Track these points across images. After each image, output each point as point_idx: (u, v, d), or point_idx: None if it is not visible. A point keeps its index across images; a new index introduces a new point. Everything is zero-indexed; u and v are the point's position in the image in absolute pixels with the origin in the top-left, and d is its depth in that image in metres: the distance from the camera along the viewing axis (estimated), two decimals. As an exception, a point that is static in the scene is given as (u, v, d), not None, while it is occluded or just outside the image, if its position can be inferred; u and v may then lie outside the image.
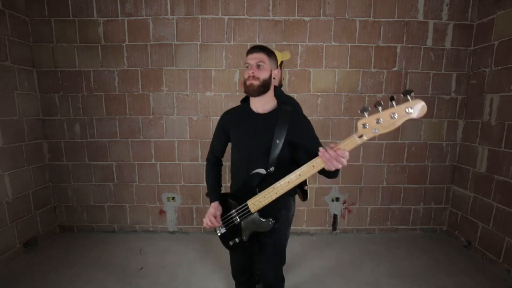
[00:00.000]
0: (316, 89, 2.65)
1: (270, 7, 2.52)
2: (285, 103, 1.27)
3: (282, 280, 1.38)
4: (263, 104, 1.18)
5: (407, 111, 0.79)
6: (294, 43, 2.57)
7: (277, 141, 1.10)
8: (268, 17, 2.53)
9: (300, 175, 1.01)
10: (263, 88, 1.12)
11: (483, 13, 2.46)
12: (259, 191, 1.11)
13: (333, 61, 2.61)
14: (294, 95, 2.63)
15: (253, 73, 1.10)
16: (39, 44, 2.57)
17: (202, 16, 2.53)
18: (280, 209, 1.23)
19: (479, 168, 2.49)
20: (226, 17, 2.53)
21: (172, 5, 2.52)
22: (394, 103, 0.83)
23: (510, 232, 2.17)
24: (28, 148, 2.52)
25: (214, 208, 1.22)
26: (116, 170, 2.78)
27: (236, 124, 1.24)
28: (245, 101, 1.31)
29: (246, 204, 1.14)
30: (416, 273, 2.19)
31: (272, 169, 1.10)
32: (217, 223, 1.19)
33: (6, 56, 2.30)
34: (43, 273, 2.16)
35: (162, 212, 2.85)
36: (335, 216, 2.85)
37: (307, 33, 2.56)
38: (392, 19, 2.55)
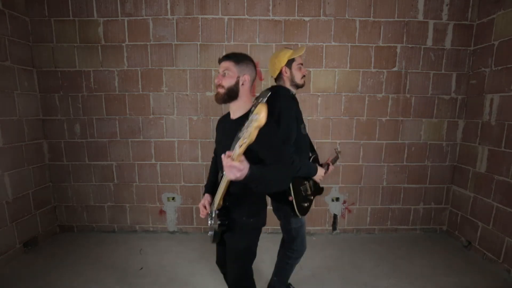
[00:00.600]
0: (316, 89, 2.65)
1: (270, 7, 2.52)
2: (273, 109, 1.30)
3: (242, 285, 1.36)
4: (234, 111, 1.23)
5: (254, 117, 0.79)
6: (294, 43, 2.57)
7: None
8: (268, 17, 2.53)
9: (224, 180, 1.08)
10: (228, 96, 1.16)
11: (483, 13, 2.46)
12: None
13: (333, 61, 2.61)
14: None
15: (218, 82, 1.16)
16: (39, 44, 2.57)
17: (202, 16, 2.53)
18: (242, 215, 1.24)
19: (479, 168, 2.49)
20: (226, 17, 2.53)
21: (172, 5, 2.52)
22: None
23: (510, 232, 2.17)
24: (28, 148, 2.52)
25: (203, 199, 1.34)
26: (116, 170, 2.78)
27: (217, 130, 1.36)
28: None
29: (214, 201, 1.25)
30: (416, 273, 2.19)
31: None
32: (203, 211, 1.31)
33: (6, 56, 2.30)
34: (43, 273, 2.16)
35: (162, 212, 2.85)
36: (335, 216, 2.85)
37: (307, 33, 2.56)
38: (392, 19, 2.55)
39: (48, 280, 2.06)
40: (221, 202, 1.20)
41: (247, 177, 0.94)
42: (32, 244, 2.53)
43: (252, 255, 1.35)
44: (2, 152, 2.26)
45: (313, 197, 1.62)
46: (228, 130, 1.21)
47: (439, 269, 2.24)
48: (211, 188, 1.38)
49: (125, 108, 2.68)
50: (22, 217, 2.45)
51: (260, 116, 0.77)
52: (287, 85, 1.53)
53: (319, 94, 2.66)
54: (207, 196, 1.35)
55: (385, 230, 2.90)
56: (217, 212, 1.22)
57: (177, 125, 2.71)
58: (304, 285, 2.02)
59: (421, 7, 2.53)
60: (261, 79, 2.61)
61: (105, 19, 2.54)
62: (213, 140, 2.68)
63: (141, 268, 2.24)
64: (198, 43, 2.58)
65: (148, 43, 2.57)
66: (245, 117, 1.16)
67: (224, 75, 1.16)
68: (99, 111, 2.67)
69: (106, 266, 2.26)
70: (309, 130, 2.61)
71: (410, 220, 2.88)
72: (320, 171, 1.56)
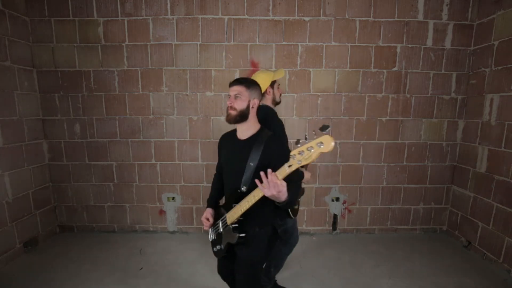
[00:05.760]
0: (316, 89, 2.65)
1: (270, 7, 2.52)
2: (269, 127, 1.38)
3: None
4: (243, 131, 1.30)
5: (318, 145, 0.90)
6: (294, 43, 2.57)
7: (251, 163, 1.21)
8: (268, 17, 2.53)
9: (254, 196, 1.12)
10: (240, 117, 1.24)
11: (483, 13, 2.46)
12: (234, 206, 1.23)
13: (333, 61, 2.61)
14: (294, 95, 2.65)
15: (231, 104, 1.24)
16: (39, 44, 2.57)
17: (202, 16, 2.53)
18: (254, 226, 1.28)
19: (479, 168, 2.49)
20: (226, 17, 2.53)
21: (172, 5, 2.52)
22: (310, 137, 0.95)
23: (510, 232, 2.17)
24: (28, 148, 2.52)
25: (206, 212, 1.40)
26: (116, 170, 2.78)
27: (224, 148, 1.41)
28: None
29: (225, 216, 1.28)
30: (416, 273, 2.19)
31: (243, 189, 1.21)
32: (206, 225, 1.38)
33: (6, 56, 2.30)
34: (43, 273, 2.16)
35: (162, 212, 2.85)
36: (335, 216, 2.85)
37: (307, 33, 2.56)
38: (392, 19, 2.55)
39: (48, 280, 2.06)
40: (238, 217, 1.23)
41: (286, 197, 1.06)
42: (32, 244, 2.53)
43: (262, 265, 1.42)
44: (2, 152, 2.26)
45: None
46: (238, 150, 1.28)
47: (439, 269, 2.24)
48: (214, 203, 1.45)
49: (125, 108, 2.68)
50: (22, 217, 2.44)
51: (330, 145, 0.88)
52: (269, 103, 1.70)
53: (319, 94, 2.66)
54: (210, 210, 1.40)
55: (385, 230, 2.89)
56: (232, 226, 1.25)
57: (177, 125, 2.71)
58: (304, 285, 2.02)
59: (421, 7, 2.53)
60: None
61: (105, 19, 2.53)
62: (213, 140, 2.69)
63: (141, 268, 2.24)
64: (198, 43, 2.58)
65: (148, 43, 2.57)
66: (254, 138, 1.26)
67: (235, 98, 1.24)
68: (99, 111, 2.67)
69: (106, 266, 2.26)
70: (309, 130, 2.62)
71: (410, 220, 2.88)
72: (306, 174, 1.68)
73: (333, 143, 0.88)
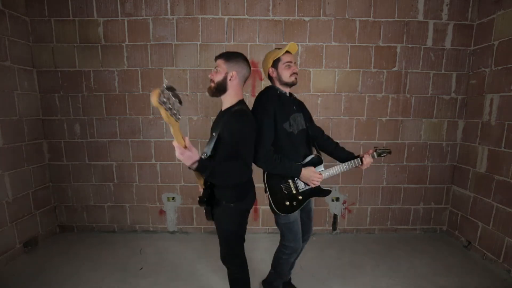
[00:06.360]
0: (316, 89, 2.65)
1: (270, 7, 2.52)
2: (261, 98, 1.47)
3: (227, 261, 1.49)
4: (223, 103, 1.39)
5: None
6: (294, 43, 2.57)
7: (213, 134, 1.32)
8: (268, 17, 2.53)
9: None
10: (216, 89, 1.31)
11: (483, 13, 2.46)
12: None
13: (333, 61, 2.61)
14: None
15: (211, 77, 1.32)
16: (39, 44, 2.57)
17: (202, 16, 2.53)
18: (219, 194, 1.38)
19: (479, 168, 2.49)
20: (226, 17, 2.53)
21: (172, 5, 2.52)
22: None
23: (510, 232, 2.17)
24: (28, 148, 2.52)
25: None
26: (116, 170, 2.78)
27: None
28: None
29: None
30: (416, 273, 2.19)
31: (203, 156, 1.29)
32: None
33: (6, 56, 2.30)
34: (43, 273, 2.16)
35: (162, 212, 2.85)
36: (335, 216, 2.85)
37: (307, 33, 2.56)
38: (392, 19, 2.55)
39: (48, 280, 2.06)
40: (203, 186, 1.35)
41: (198, 167, 1.15)
42: (32, 244, 2.53)
43: (238, 238, 1.44)
44: (2, 152, 2.26)
45: (305, 198, 1.57)
46: (216, 121, 1.42)
47: (439, 269, 2.24)
48: None
49: (125, 108, 2.68)
50: (22, 217, 2.44)
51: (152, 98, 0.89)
52: (277, 84, 1.56)
53: (319, 94, 2.66)
54: None
55: (385, 230, 2.89)
56: (198, 198, 1.37)
57: (177, 125, 2.70)
58: (304, 285, 2.01)
59: (421, 7, 2.53)
60: (261, 79, 2.61)
61: (105, 19, 2.53)
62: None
63: (141, 268, 2.24)
64: (198, 43, 2.58)
65: (148, 43, 2.57)
66: (228, 110, 1.32)
67: (216, 72, 1.30)
68: (99, 111, 2.67)
69: (106, 266, 2.26)
70: (309, 130, 2.62)
71: (410, 220, 2.88)
72: (307, 172, 1.48)
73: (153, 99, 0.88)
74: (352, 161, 1.61)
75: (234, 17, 2.53)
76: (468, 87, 2.66)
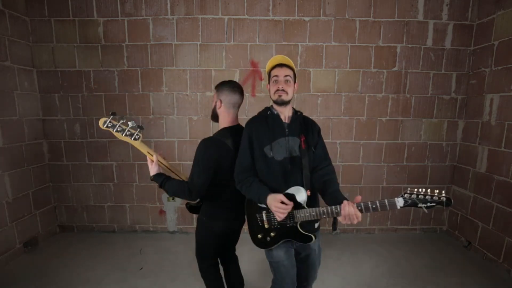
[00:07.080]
0: (316, 89, 2.65)
1: (270, 7, 2.52)
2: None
3: (201, 274, 1.67)
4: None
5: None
6: (294, 43, 2.57)
7: None
8: (268, 17, 2.53)
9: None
10: (212, 117, 1.47)
11: (483, 13, 2.46)
12: None
13: (333, 61, 2.61)
14: (294, 95, 2.63)
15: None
16: (39, 44, 2.57)
17: (202, 16, 2.53)
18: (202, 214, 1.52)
19: (479, 168, 2.49)
20: (226, 17, 2.53)
21: (172, 5, 2.52)
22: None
23: (510, 232, 2.17)
24: (28, 148, 2.52)
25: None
26: (116, 170, 2.78)
27: None
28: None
29: None
30: (416, 273, 2.19)
31: None
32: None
33: (6, 56, 2.30)
34: (43, 273, 2.16)
35: (162, 212, 2.84)
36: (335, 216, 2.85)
37: (307, 33, 2.56)
38: (392, 19, 2.55)
39: (48, 280, 2.06)
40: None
41: (153, 178, 1.43)
42: (32, 244, 2.53)
43: (203, 253, 1.59)
44: (2, 152, 2.26)
45: (279, 236, 1.31)
46: None
47: (439, 269, 2.24)
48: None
49: (125, 108, 2.67)
50: (22, 217, 2.44)
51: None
52: (272, 102, 1.36)
53: (319, 94, 2.66)
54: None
55: (385, 230, 2.89)
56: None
57: (177, 125, 2.70)
58: (304, 285, 2.01)
59: (421, 7, 2.53)
60: (261, 79, 2.61)
61: (105, 19, 2.53)
62: (213, 140, 2.69)
63: (141, 268, 2.24)
64: (198, 43, 2.58)
65: (148, 43, 2.57)
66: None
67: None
68: (99, 111, 2.67)
69: (106, 266, 2.26)
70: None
71: (410, 220, 2.88)
72: (270, 199, 1.17)
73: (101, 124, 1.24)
74: (330, 207, 1.28)
75: (234, 17, 2.53)
76: (468, 87, 2.66)
